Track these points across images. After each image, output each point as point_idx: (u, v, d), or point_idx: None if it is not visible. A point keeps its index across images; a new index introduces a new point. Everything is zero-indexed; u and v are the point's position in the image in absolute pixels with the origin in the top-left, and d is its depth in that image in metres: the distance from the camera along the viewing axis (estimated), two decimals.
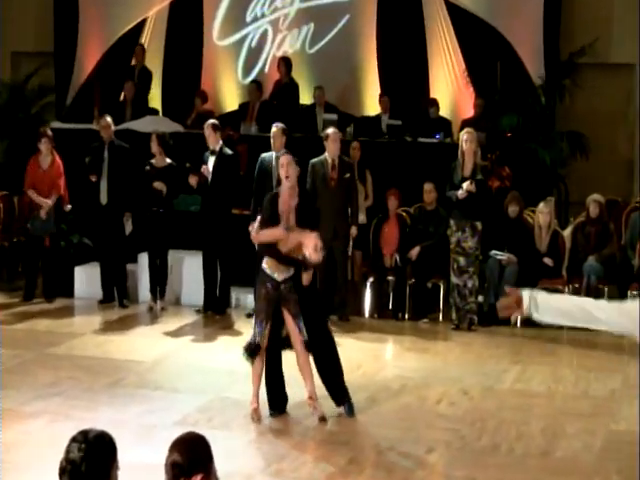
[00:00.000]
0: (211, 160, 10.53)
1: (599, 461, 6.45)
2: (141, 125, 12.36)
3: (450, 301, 10.36)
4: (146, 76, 14.10)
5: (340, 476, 6.17)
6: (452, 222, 10.24)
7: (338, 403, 7.29)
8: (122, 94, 13.75)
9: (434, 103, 13.18)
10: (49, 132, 11.22)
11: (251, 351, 7.08)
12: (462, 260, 10.18)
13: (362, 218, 10.79)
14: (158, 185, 10.63)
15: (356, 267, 10.93)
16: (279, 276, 7.04)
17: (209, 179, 10.46)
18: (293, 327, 7.03)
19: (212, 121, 10.79)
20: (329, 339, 7.26)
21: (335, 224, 10.16)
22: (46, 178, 11.11)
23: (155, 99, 14.55)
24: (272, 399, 7.29)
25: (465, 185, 9.99)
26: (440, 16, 13.78)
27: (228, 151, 10.65)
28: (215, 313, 10.67)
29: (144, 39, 14.76)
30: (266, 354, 7.11)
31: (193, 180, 10.43)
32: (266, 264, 7.09)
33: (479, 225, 10.15)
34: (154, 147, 10.71)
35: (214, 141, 10.55)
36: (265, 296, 7.06)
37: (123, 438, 4.34)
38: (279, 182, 7.46)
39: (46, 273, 11.26)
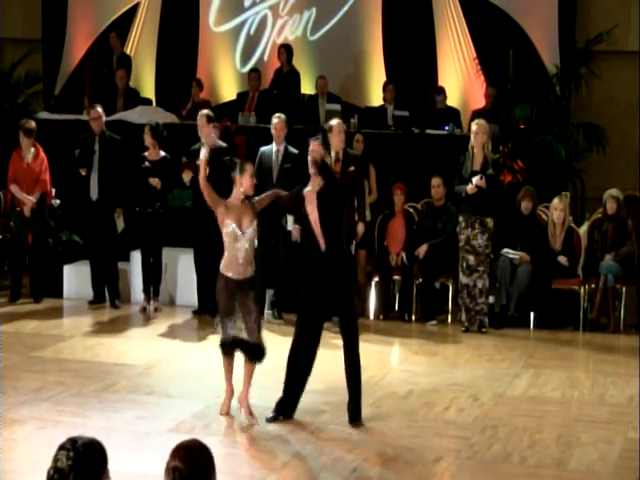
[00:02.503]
0: (203, 152, 10.51)
1: (616, 471, 6.45)
2: (134, 116, 12.37)
3: (459, 302, 10.37)
4: (126, 62, 14.04)
5: None
6: (461, 218, 10.24)
7: (352, 422, 7.24)
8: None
9: (441, 91, 13.17)
10: (28, 125, 11.13)
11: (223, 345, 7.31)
12: (472, 259, 10.18)
13: (366, 214, 10.77)
14: (153, 181, 10.63)
15: (360, 267, 10.93)
16: (235, 275, 7.20)
17: (207, 171, 10.44)
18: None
19: (206, 111, 10.78)
20: (356, 354, 7.36)
21: None
22: (29, 173, 11.11)
23: (148, 88, 14.55)
24: (283, 403, 7.28)
25: (475, 180, 10.00)
26: (449, 0, 13.77)
27: (221, 143, 10.65)
28: (209, 315, 10.67)
29: (137, 24, 14.76)
30: (298, 359, 7.22)
31: (187, 177, 10.41)
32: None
33: (490, 222, 10.16)
34: (147, 139, 10.70)
35: (206, 133, 10.54)
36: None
37: (114, 446, 4.35)
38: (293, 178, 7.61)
39: (33, 272, 11.27)
